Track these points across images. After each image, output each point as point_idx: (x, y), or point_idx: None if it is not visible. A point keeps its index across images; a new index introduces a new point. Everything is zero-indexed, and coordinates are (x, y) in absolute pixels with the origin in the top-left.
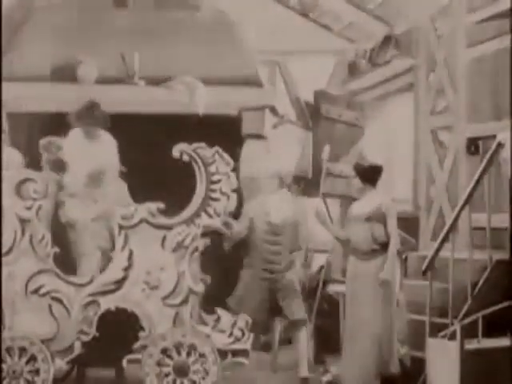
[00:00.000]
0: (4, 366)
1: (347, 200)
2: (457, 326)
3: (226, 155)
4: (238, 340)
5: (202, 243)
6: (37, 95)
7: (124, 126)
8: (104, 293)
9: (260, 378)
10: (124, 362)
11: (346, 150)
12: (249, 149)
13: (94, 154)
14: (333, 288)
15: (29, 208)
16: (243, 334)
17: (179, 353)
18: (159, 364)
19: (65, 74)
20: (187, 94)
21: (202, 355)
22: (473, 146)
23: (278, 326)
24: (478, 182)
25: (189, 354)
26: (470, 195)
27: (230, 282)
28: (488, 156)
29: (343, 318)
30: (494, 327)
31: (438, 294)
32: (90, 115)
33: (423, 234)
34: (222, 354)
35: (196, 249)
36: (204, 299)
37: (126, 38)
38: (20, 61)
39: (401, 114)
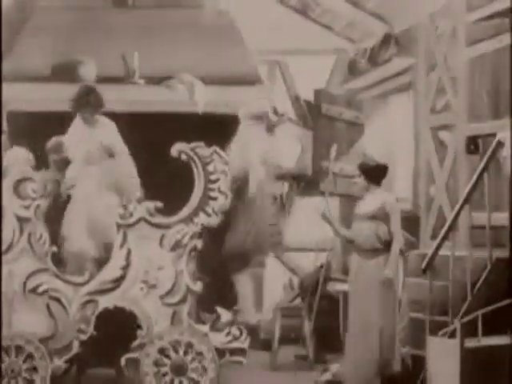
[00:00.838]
0: (2, 365)
1: (347, 199)
2: (457, 324)
3: (224, 154)
4: (235, 339)
5: (200, 242)
6: (37, 95)
7: (124, 125)
8: (102, 291)
9: (260, 377)
10: (122, 361)
11: (346, 148)
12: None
13: (94, 137)
14: (333, 287)
15: (27, 207)
16: (241, 333)
17: (176, 352)
18: (157, 364)
19: (65, 73)
20: (187, 93)
21: (199, 353)
22: (472, 144)
23: (278, 325)
24: (477, 180)
25: (186, 353)
26: (470, 194)
27: (226, 281)
28: (488, 155)
29: (343, 316)
30: (493, 325)
31: (438, 292)
32: (86, 99)
33: (423, 233)
34: (220, 352)
35: (194, 248)
36: (202, 298)
37: (125, 37)
38: (20, 61)
39: (401, 112)
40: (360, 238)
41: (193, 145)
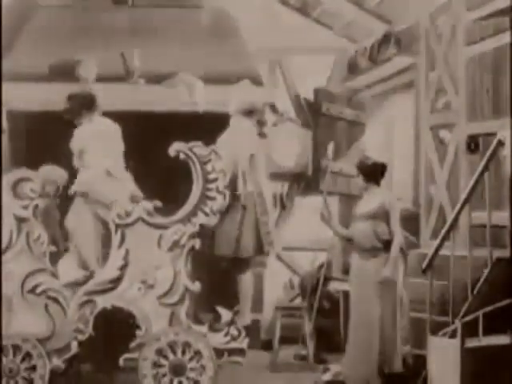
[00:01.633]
0: (1, 365)
1: (347, 198)
2: (457, 324)
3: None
4: (234, 339)
5: (198, 242)
6: (37, 95)
7: (123, 125)
8: (100, 292)
9: (260, 377)
10: (121, 361)
11: (346, 147)
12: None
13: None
14: (333, 286)
15: (25, 207)
16: (239, 333)
17: (174, 352)
18: (155, 365)
19: (65, 73)
20: (187, 92)
21: (196, 352)
22: (473, 143)
23: (278, 325)
24: (478, 179)
25: (184, 353)
26: (471, 193)
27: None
28: (488, 154)
29: (343, 316)
30: (494, 325)
31: (438, 291)
32: (75, 106)
33: (423, 232)
34: (219, 353)
35: (192, 248)
36: (200, 298)
37: (125, 36)
38: (20, 60)
39: (401, 111)
40: (360, 237)
41: (191, 144)
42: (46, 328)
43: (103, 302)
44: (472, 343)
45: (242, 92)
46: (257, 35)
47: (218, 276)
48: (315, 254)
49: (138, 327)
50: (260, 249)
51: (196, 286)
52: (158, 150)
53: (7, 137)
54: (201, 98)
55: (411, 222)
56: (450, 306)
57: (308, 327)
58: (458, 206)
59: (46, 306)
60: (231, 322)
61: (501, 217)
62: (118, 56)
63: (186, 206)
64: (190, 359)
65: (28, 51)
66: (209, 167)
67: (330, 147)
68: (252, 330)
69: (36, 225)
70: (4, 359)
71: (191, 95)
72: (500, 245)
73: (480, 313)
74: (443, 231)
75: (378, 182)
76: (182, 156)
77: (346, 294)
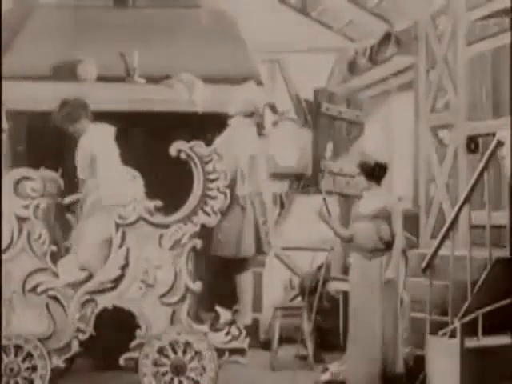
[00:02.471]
0: (1, 365)
1: (346, 198)
2: (457, 324)
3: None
4: (235, 339)
5: (199, 242)
6: (37, 95)
7: (123, 124)
8: (101, 291)
9: (260, 376)
10: (121, 361)
11: (345, 147)
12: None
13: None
14: (333, 286)
15: (26, 206)
16: (240, 333)
17: (175, 351)
18: (156, 364)
19: (65, 72)
20: (187, 92)
21: (197, 352)
22: (473, 143)
23: (278, 324)
24: (477, 179)
25: (185, 352)
26: (470, 193)
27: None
28: (488, 154)
29: (343, 316)
30: (494, 325)
31: (438, 291)
32: (64, 111)
33: (423, 232)
34: (219, 352)
35: (193, 247)
36: (201, 297)
37: (125, 36)
38: (20, 60)
39: (401, 111)
40: (361, 237)
41: (192, 144)
42: (46, 327)
43: (104, 301)
44: (471, 343)
45: (244, 93)
46: (257, 35)
47: (218, 275)
48: (315, 253)
49: (138, 327)
50: (259, 249)
51: (197, 286)
52: (157, 150)
53: (7, 137)
54: (200, 98)
55: (411, 221)
56: (450, 305)
57: (307, 327)
58: (458, 205)
59: (47, 306)
60: (232, 322)
61: (500, 217)
62: (118, 56)
63: (187, 205)
64: (191, 359)
65: (28, 51)
66: (210, 167)
67: (329, 147)
68: (252, 329)
69: (37, 224)
70: (5, 359)
71: (191, 95)
72: (500, 245)
73: (479, 313)
74: (443, 231)
75: (379, 182)
76: (183, 155)
77: (346, 294)
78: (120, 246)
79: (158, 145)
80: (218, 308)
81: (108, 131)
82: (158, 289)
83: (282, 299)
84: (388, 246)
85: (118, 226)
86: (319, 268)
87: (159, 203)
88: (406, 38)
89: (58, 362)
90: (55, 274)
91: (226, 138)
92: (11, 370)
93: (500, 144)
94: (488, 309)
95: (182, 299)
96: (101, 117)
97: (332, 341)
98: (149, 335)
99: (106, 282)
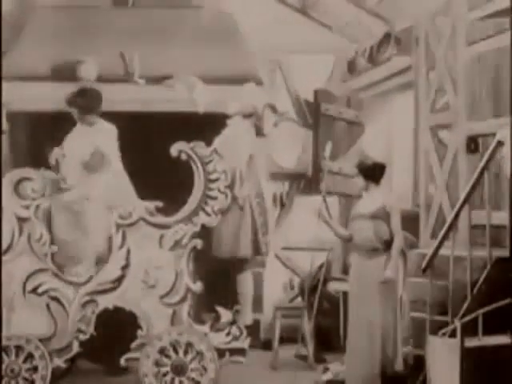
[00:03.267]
0: (2, 366)
1: (346, 198)
2: (457, 324)
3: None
4: (235, 339)
5: (199, 242)
6: (37, 95)
7: (124, 125)
8: (102, 292)
9: (260, 376)
10: (122, 361)
11: (345, 148)
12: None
13: (90, 139)
14: (333, 286)
15: (27, 207)
16: (241, 333)
17: (176, 352)
18: (157, 364)
19: (65, 73)
20: (187, 92)
21: (199, 353)
22: (472, 143)
23: (278, 325)
24: (477, 179)
25: (186, 353)
26: (470, 193)
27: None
28: (488, 154)
29: (343, 316)
30: (494, 325)
31: (438, 291)
32: (80, 101)
33: (423, 232)
34: (220, 352)
35: (194, 247)
36: (202, 298)
37: (126, 36)
38: (20, 61)
39: (400, 111)
40: (360, 237)
41: (192, 144)
42: (47, 328)
43: (105, 301)
44: (471, 343)
45: (244, 93)
46: (257, 35)
47: (219, 276)
48: (315, 254)
49: (139, 327)
50: (257, 250)
51: (197, 286)
52: (158, 150)
53: (7, 137)
54: (201, 98)
55: (411, 221)
56: (450, 305)
57: (308, 327)
58: (458, 205)
59: (48, 306)
60: (233, 322)
61: (500, 217)
62: (118, 56)
63: (188, 205)
64: (192, 359)
65: (28, 51)
66: (210, 167)
67: (328, 147)
68: (252, 329)
69: (38, 225)
70: (6, 359)
71: (191, 95)
72: (499, 245)
73: (480, 313)
74: (443, 231)
75: (377, 182)
76: (183, 156)
77: (346, 294)
78: (121, 247)
79: (158, 145)
80: (218, 308)
81: (113, 130)
82: (158, 289)
83: (282, 299)
84: (387, 245)
85: (118, 226)
86: (319, 268)
87: (160, 204)
88: (406, 38)
89: (59, 362)
90: (56, 275)
91: (225, 138)
92: (12, 370)
93: (500, 144)
94: (488, 309)
95: (183, 299)
96: (101, 117)
97: (332, 341)
98: (150, 335)
99: (106, 283)
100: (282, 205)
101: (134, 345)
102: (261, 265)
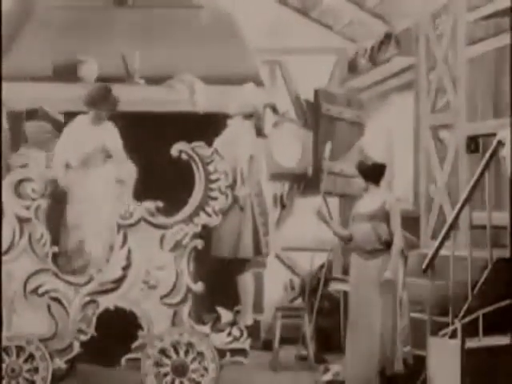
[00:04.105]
0: (2, 366)
1: (347, 198)
2: (457, 325)
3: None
4: (236, 339)
5: (200, 242)
6: (37, 95)
7: (124, 125)
8: (103, 292)
9: (261, 377)
10: (123, 361)
11: (346, 148)
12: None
13: (96, 139)
14: (333, 286)
15: (27, 207)
16: (241, 334)
17: (177, 352)
18: (157, 364)
19: (65, 73)
20: (187, 92)
21: (199, 353)
22: (473, 144)
23: (279, 325)
24: (478, 180)
25: (187, 353)
26: (471, 193)
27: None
28: (488, 154)
29: (344, 316)
30: (494, 325)
31: (438, 292)
32: (103, 99)
33: (423, 233)
34: (221, 353)
35: (195, 248)
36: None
37: (126, 37)
38: (20, 61)
39: (401, 112)
40: (360, 238)
41: (193, 144)
42: (48, 328)
43: (106, 302)
44: (472, 344)
45: (245, 94)
46: (257, 35)
47: (219, 276)
48: (315, 254)
49: (140, 327)
50: (258, 250)
51: (198, 287)
52: (158, 151)
53: (7, 136)
54: (201, 99)
55: (411, 222)
56: (450, 306)
57: (308, 327)
58: (458, 206)
59: (49, 307)
60: (233, 323)
61: (501, 217)
62: (119, 57)
63: (188, 206)
64: (193, 360)
65: (28, 51)
66: (211, 167)
67: (328, 148)
68: (252, 330)
69: (38, 225)
70: (7, 359)
71: (191, 96)
72: (500, 245)
73: (480, 313)
74: (443, 231)
75: (377, 183)
76: (184, 156)
77: (347, 295)
78: (121, 247)
79: (159, 145)
80: (219, 309)
81: (116, 131)
82: (159, 289)
83: (282, 300)
84: (387, 245)
85: (119, 226)
86: (320, 268)
87: (160, 204)
88: (406, 38)
89: (60, 363)
90: (57, 275)
91: (226, 139)
92: (13, 370)
93: (500, 144)
94: (489, 309)
95: (184, 300)
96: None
97: (333, 341)
98: (150, 336)
99: (107, 283)
100: (283, 205)
101: (134, 345)
102: (261, 265)
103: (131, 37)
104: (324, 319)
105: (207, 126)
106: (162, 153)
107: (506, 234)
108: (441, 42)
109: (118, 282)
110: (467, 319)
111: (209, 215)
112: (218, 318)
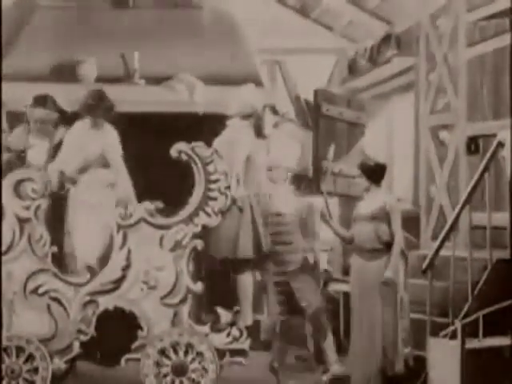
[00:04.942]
0: (2, 366)
1: (347, 199)
2: (458, 325)
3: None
4: (236, 340)
5: (200, 242)
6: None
7: (124, 125)
8: (102, 292)
9: (260, 377)
10: (123, 362)
11: (346, 148)
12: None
13: (96, 141)
14: (333, 287)
15: (27, 208)
16: (241, 334)
17: (176, 352)
18: (157, 364)
19: (65, 73)
20: (187, 93)
21: (199, 354)
22: (473, 144)
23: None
24: (478, 180)
25: (186, 353)
26: (471, 194)
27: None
28: (488, 155)
29: (344, 317)
30: (494, 326)
31: (438, 293)
32: (99, 105)
33: (424, 233)
34: (220, 353)
35: (194, 248)
36: (202, 298)
37: (126, 37)
38: (20, 61)
39: (401, 112)
40: (361, 238)
41: (193, 145)
42: (48, 329)
43: (105, 302)
44: (472, 344)
45: (244, 94)
46: (257, 36)
47: (219, 276)
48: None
49: (140, 328)
50: (258, 250)
51: (198, 287)
52: (157, 151)
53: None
54: (201, 99)
55: (411, 222)
56: (450, 306)
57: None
58: (459, 206)
59: (48, 307)
60: (233, 323)
61: (501, 218)
62: (119, 57)
63: (188, 206)
64: (192, 360)
65: (28, 51)
66: (211, 168)
67: (332, 149)
68: (252, 330)
69: (38, 225)
70: (6, 359)
71: (191, 96)
72: (500, 246)
73: (480, 314)
74: (443, 232)
75: (379, 183)
76: (184, 157)
77: (346, 295)
78: (121, 247)
79: (158, 145)
80: (218, 309)
81: (116, 135)
82: (159, 290)
83: None
84: (387, 246)
85: (119, 227)
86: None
87: (160, 204)
88: (407, 38)
89: (60, 363)
90: (56, 275)
91: (225, 139)
92: (12, 370)
93: (500, 145)
94: (489, 310)
95: (184, 300)
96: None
97: (333, 342)
98: (150, 336)
99: (107, 283)
100: None
101: (134, 345)
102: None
103: (131, 37)
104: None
105: (206, 126)
106: (161, 153)
107: (506, 235)
108: (441, 43)
109: (118, 282)
110: (467, 320)
111: (208, 215)
112: (217, 319)
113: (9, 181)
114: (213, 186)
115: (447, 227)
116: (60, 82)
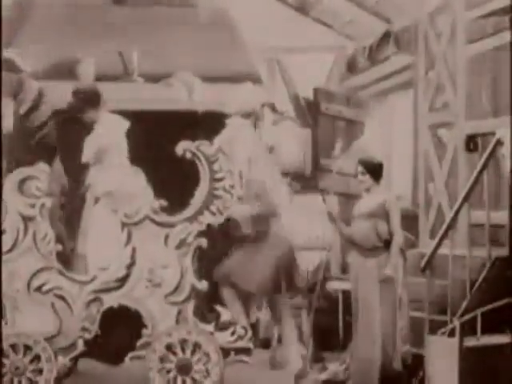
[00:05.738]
0: (7, 362)
1: (346, 197)
2: (456, 323)
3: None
4: (240, 338)
5: (204, 241)
6: None
7: None
8: (107, 290)
9: (259, 375)
10: (127, 359)
11: (345, 147)
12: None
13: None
14: (332, 285)
15: (32, 205)
16: (246, 332)
17: (183, 350)
18: (162, 360)
19: (63, 71)
20: (186, 91)
21: (205, 354)
22: (472, 142)
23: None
24: (477, 179)
25: (193, 352)
26: (469, 192)
27: None
28: (487, 153)
29: (343, 315)
30: (493, 324)
31: (437, 291)
32: (79, 102)
33: (422, 231)
34: (225, 352)
35: (199, 246)
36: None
37: (124, 35)
38: (19, 59)
39: (400, 110)
40: (360, 236)
41: (197, 143)
42: (52, 326)
43: (110, 300)
44: (470, 342)
45: (243, 92)
46: (256, 34)
47: None
48: (313, 253)
49: (144, 326)
50: None
51: (203, 285)
52: (157, 149)
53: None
54: (200, 97)
55: (410, 221)
56: (449, 305)
57: (307, 326)
58: (457, 205)
59: (53, 305)
60: (234, 322)
61: (499, 216)
62: (117, 55)
63: (193, 204)
64: (198, 361)
65: (27, 50)
66: (216, 166)
67: (338, 147)
68: (251, 328)
69: (42, 223)
70: (12, 356)
71: (190, 94)
72: (499, 244)
73: (478, 312)
74: (442, 230)
75: (378, 181)
76: (188, 155)
77: (345, 293)
78: (126, 245)
79: (158, 144)
80: (218, 307)
81: (121, 124)
82: (163, 288)
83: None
84: (386, 244)
85: (123, 224)
86: (318, 267)
87: (164, 202)
88: (405, 37)
89: (64, 361)
90: (61, 273)
91: (225, 138)
92: (17, 368)
93: (499, 143)
94: (487, 308)
95: (188, 298)
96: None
97: (331, 340)
98: (154, 334)
99: (111, 281)
100: None
101: (138, 344)
102: None
103: (130, 35)
104: (322, 318)
105: (206, 124)
106: (161, 151)
107: (505, 233)
108: (440, 41)
109: (123, 280)
110: (466, 318)
111: (213, 214)
112: (218, 317)
113: (13, 179)
114: (218, 184)
115: (446, 225)
116: (59, 79)
